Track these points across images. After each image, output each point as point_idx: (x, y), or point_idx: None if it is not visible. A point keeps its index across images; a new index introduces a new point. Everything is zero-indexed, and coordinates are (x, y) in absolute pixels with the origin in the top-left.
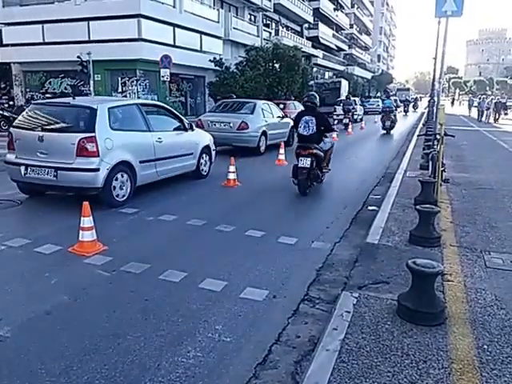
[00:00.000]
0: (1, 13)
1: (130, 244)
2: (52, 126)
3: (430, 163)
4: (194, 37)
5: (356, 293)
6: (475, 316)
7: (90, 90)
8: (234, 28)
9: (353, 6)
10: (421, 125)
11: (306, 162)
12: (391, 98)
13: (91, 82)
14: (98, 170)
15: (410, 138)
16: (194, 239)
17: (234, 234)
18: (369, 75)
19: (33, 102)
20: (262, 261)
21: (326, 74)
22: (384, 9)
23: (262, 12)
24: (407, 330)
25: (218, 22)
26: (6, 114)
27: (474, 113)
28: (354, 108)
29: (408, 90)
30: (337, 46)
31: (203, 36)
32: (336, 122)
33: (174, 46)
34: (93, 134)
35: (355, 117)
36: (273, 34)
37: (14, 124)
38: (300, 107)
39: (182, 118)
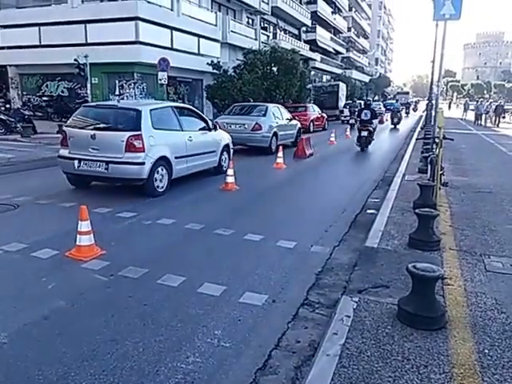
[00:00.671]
0: None
1: (127, 248)
2: (103, 126)
3: (429, 166)
4: (191, 40)
5: (356, 297)
6: (476, 320)
7: (87, 93)
8: (232, 31)
9: (350, 10)
10: (419, 128)
11: (364, 133)
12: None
13: (88, 85)
14: (143, 163)
15: (408, 141)
16: (192, 243)
17: (233, 237)
18: (367, 78)
19: (83, 104)
20: (261, 265)
21: (324, 77)
22: (382, 12)
23: (259, 15)
24: (408, 334)
25: (216, 25)
26: (2, 117)
27: (470, 116)
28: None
29: (407, 93)
30: (335, 50)
31: (201, 39)
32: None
33: (171, 49)
34: (139, 133)
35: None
36: (271, 37)
37: (66, 124)
38: (317, 110)
39: (207, 119)
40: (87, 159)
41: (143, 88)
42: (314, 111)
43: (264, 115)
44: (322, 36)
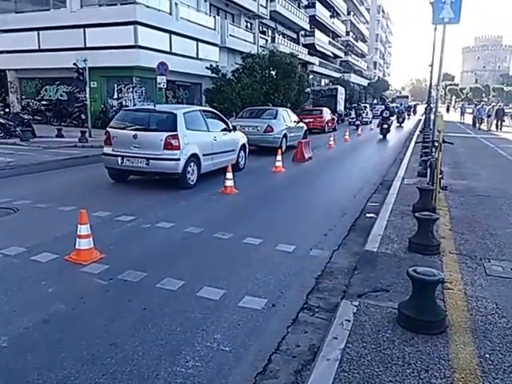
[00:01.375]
0: None
1: (127, 252)
2: (143, 127)
3: (428, 170)
4: (190, 44)
5: (356, 301)
6: (476, 324)
7: (85, 97)
8: (231, 35)
9: (349, 14)
10: (417, 132)
11: (385, 126)
12: (402, 104)
13: (87, 89)
14: (179, 159)
15: (407, 144)
16: (191, 247)
17: (232, 241)
18: (365, 82)
19: (123, 108)
20: (261, 269)
21: (323, 81)
22: (380, 16)
23: (258, 19)
24: (408, 338)
25: (215, 29)
26: (2, 121)
27: (467, 119)
28: (364, 112)
29: (407, 97)
30: (333, 53)
31: (200, 43)
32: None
33: (170, 53)
34: (176, 133)
35: (365, 119)
36: (269, 41)
37: (110, 125)
38: (329, 112)
39: (227, 121)
40: (130, 156)
41: (142, 92)
42: (327, 114)
43: (275, 118)
44: (321, 40)
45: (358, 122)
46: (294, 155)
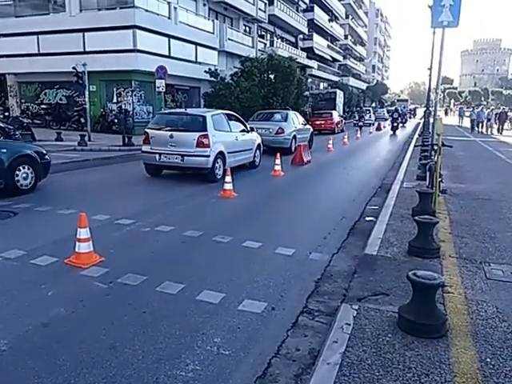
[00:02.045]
0: None
1: (126, 255)
2: (178, 127)
3: (428, 174)
4: (189, 48)
5: (356, 305)
6: (477, 328)
7: (85, 101)
8: (229, 39)
9: (347, 17)
10: (416, 135)
11: (395, 124)
12: (405, 108)
13: (86, 93)
14: (209, 156)
15: (406, 147)
16: (190, 250)
17: (232, 245)
18: (364, 86)
19: (157, 112)
20: (260, 272)
21: (321, 84)
22: (378, 20)
23: (256, 23)
24: (408, 342)
25: (213, 33)
26: (1, 124)
27: (466, 123)
28: (366, 114)
29: (407, 101)
30: (332, 57)
31: (198, 47)
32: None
33: (169, 56)
34: (206, 133)
35: (368, 121)
36: (268, 44)
37: (147, 127)
38: (337, 115)
39: (245, 122)
40: (167, 153)
41: (141, 96)
42: (337, 116)
43: (285, 120)
44: (319, 43)
45: (360, 124)
46: (293, 159)
